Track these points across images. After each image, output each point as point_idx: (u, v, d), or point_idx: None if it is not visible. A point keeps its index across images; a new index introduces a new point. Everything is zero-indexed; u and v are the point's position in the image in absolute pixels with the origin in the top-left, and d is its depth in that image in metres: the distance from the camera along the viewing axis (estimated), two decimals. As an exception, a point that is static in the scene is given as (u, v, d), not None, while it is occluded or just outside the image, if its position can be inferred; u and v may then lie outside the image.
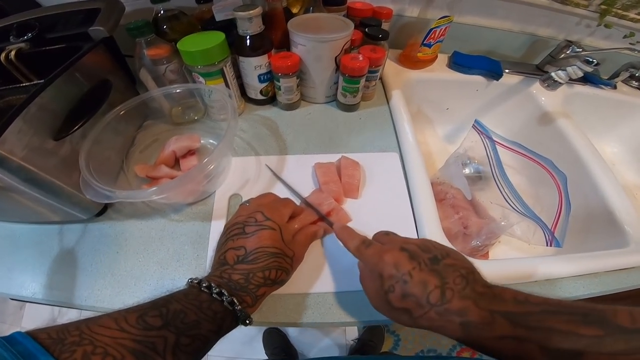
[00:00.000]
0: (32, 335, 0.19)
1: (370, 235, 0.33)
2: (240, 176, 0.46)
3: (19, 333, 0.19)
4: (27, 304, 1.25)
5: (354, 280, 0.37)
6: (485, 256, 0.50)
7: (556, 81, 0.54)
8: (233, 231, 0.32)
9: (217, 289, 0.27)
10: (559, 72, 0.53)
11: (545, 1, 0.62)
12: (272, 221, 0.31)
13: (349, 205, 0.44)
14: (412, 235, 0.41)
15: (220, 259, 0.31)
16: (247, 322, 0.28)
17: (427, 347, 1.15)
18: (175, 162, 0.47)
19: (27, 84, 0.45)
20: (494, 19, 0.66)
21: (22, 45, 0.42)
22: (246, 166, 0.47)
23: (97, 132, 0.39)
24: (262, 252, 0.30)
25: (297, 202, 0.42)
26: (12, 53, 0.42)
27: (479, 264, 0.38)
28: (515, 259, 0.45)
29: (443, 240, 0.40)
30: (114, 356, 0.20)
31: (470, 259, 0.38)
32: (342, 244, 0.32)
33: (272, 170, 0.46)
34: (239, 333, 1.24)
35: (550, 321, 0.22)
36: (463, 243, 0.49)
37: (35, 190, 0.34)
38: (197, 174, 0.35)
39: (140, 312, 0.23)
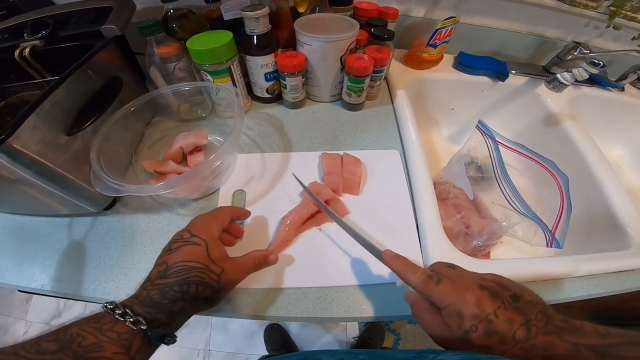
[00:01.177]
0: None
1: (369, 233, 0.33)
2: (245, 173, 0.47)
3: None
4: (33, 298, 1.27)
5: (356, 275, 0.38)
6: (486, 256, 0.50)
7: (562, 83, 0.54)
8: (163, 250, 0.31)
9: (121, 310, 0.25)
10: (565, 73, 0.53)
11: (554, 3, 0.62)
12: (197, 237, 0.30)
13: (350, 201, 0.44)
14: (414, 233, 0.42)
15: (146, 277, 0.30)
16: (166, 340, 0.27)
17: (426, 346, 1.15)
18: (182, 158, 0.48)
19: (40, 80, 0.46)
20: (501, 20, 0.66)
21: (37, 42, 0.44)
22: (251, 163, 0.48)
23: (107, 127, 0.40)
24: (182, 266, 0.28)
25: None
26: (27, 50, 0.43)
27: (479, 264, 0.39)
28: (515, 259, 0.45)
29: (444, 240, 0.40)
30: None
31: (472, 258, 0.39)
32: (397, 275, 0.30)
33: (298, 180, 0.44)
34: (240, 328, 1.26)
35: (635, 351, 0.22)
36: (464, 243, 0.49)
37: (47, 184, 0.35)
38: (203, 170, 0.35)
39: (38, 338, 0.24)
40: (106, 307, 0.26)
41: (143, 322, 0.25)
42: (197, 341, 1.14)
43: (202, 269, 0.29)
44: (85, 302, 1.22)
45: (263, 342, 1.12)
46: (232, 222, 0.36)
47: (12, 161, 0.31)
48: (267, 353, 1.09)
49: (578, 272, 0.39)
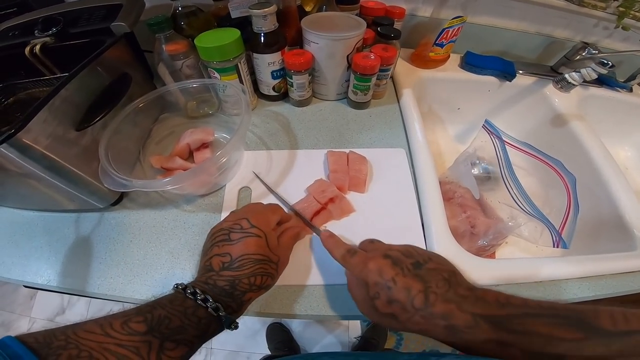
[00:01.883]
0: (21, 339, 0.20)
1: (374, 228, 0.33)
2: (251, 170, 0.47)
3: (8, 337, 0.20)
4: (38, 294, 1.27)
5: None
6: (492, 256, 0.50)
7: (570, 83, 0.53)
8: (218, 237, 0.32)
9: (202, 295, 0.27)
10: (573, 73, 0.53)
11: (563, 3, 0.61)
12: (257, 228, 0.31)
13: (355, 198, 0.44)
14: (419, 232, 0.42)
15: (206, 265, 0.30)
16: (233, 327, 0.29)
17: (429, 347, 1.15)
18: (189, 155, 0.49)
19: (50, 76, 0.47)
20: (509, 20, 0.66)
21: (47, 39, 0.44)
22: (257, 160, 0.49)
23: (116, 123, 0.40)
24: (247, 259, 0.29)
25: (286, 209, 0.42)
26: (37, 47, 0.43)
27: (484, 264, 0.38)
28: (521, 259, 0.45)
29: (450, 239, 0.40)
30: (98, 359, 0.21)
31: (478, 258, 0.39)
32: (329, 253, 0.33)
33: (259, 177, 0.46)
34: (243, 326, 1.26)
35: (532, 324, 0.22)
36: (470, 242, 0.49)
37: (55, 178, 0.35)
38: (210, 166, 0.36)
39: (125, 318, 0.24)
40: (184, 290, 0.27)
41: (221, 309, 0.27)
42: (200, 339, 1.14)
43: (265, 260, 0.30)
44: (89, 299, 1.23)
45: (265, 341, 1.13)
46: (285, 218, 0.37)
47: (22, 155, 0.32)
48: (269, 352, 1.09)
49: (584, 272, 0.39)
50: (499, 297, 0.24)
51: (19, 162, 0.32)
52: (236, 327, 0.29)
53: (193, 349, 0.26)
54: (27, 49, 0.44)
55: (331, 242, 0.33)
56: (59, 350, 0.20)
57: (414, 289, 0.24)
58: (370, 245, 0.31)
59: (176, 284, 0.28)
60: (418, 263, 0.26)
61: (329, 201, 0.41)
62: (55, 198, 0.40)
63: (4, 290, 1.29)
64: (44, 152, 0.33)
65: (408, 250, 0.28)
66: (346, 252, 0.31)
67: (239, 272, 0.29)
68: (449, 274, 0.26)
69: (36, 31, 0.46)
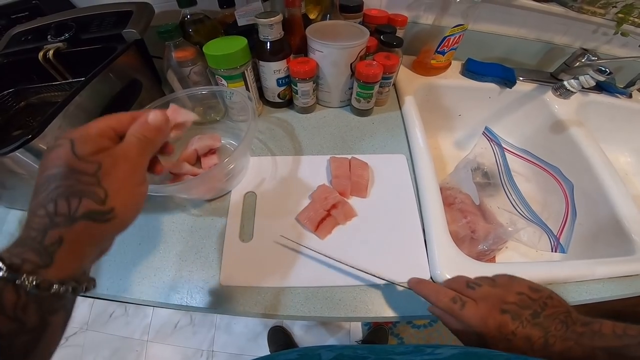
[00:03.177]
0: None
1: (376, 235, 0.33)
2: (256, 175, 0.48)
3: None
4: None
5: (363, 275, 0.39)
6: (492, 260, 0.51)
7: (568, 90, 0.54)
8: None
9: None
10: (572, 80, 0.54)
11: (562, 10, 0.62)
12: (63, 138, 0.21)
13: (357, 203, 0.45)
14: (420, 237, 0.43)
15: None
16: (59, 289, 0.19)
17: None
18: (196, 160, 0.50)
19: (61, 81, 0.48)
20: (509, 27, 0.67)
21: (60, 44, 0.46)
22: (262, 165, 0.50)
23: (126, 129, 0.41)
24: (43, 178, 0.20)
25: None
26: (51, 52, 0.45)
27: (484, 268, 0.39)
28: (520, 263, 0.46)
29: (450, 244, 0.41)
30: None
31: (478, 262, 0.40)
32: (424, 298, 0.32)
33: (290, 240, 0.41)
34: (245, 329, 1.25)
35: None
36: (470, 247, 0.50)
37: (69, 182, 0.36)
38: (218, 172, 0.37)
39: None
40: None
41: (2, 267, 0.18)
42: (201, 341, 1.14)
43: (64, 174, 0.20)
44: (92, 301, 1.24)
45: (267, 344, 1.13)
46: (126, 122, 0.24)
47: (37, 160, 0.33)
48: (268, 354, 1.10)
49: (583, 276, 0.39)
50: (615, 329, 0.25)
51: (33, 166, 0.33)
52: (76, 289, 0.20)
53: (2, 332, 0.17)
54: (40, 54, 0.45)
55: (425, 288, 0.32)
56: None
57: (535, 337, 0.25)
58: (475, 294, 0.29)
59: None
60: (536, 313, 0.27)
61: (332, 207, 0.42)
62: (67, 201, 0.41)
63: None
64: (58, 157, 0.34)
65: (524, 301, 0.27)
66: (452, 301, 0.29)
67: (34, 200, 0.20)
68: (565, 316, 0.26)
69: (49, 36, 0.47)
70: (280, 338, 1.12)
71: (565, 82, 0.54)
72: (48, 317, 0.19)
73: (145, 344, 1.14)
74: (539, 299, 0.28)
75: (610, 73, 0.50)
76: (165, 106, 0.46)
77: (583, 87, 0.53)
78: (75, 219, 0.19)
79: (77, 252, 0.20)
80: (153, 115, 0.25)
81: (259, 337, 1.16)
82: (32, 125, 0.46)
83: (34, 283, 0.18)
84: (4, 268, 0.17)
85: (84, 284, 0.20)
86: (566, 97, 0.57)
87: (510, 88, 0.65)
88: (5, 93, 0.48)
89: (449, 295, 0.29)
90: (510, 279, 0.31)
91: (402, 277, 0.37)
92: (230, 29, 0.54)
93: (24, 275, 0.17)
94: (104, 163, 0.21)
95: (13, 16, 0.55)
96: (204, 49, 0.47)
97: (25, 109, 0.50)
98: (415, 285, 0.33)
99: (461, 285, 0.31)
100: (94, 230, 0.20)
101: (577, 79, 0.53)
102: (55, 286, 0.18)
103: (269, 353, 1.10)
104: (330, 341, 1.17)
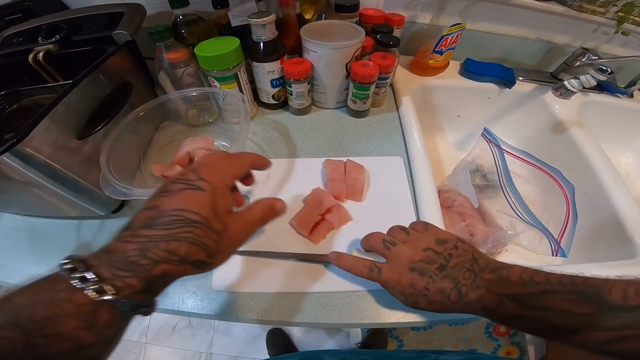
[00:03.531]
0: None
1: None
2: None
3: None
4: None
5: (356, 280, 0.38)
6: (491, 264, 0.50)
7: (569, 90, 0.53)
8: (158, 189, 0.24)
9: (81, 274, 0.19)
10: (572, 80, 0.53)
11: (562, 9, 0.61)
12: (205, 181, 0.23)
13: (353, 207, 0.45)
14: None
15: (129, 222, 0.23)
16: (142, 311, 0.21)
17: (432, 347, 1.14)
18: (189, 163, 0.49)
19: (53, 84, 0.47)
20: (509, 26, 0.66)
21: (50, 46, 0.45)
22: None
23: (118, 131, 0.41)
24: (176, 216, 0.21)
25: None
26: (41, 54, 0.44)
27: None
28: None
29: None
30: None
31: None
32: (348, 271, 0.34)
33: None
34: (243, 332, 1.25)
35: (550, 301, 0.25)
36: (469, 250, 0.49)
37: (57, 187, 0.36)
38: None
39: None
40: (64, 265, 0.19)
41: (109, 291, 0.19)
42: (200, 344, 1.14)
43: (200, 223, 0.22)
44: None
45: (265, 347, 1.12)
46: (249, 174, 0.31)
47: (24, 164, 0.32)
48: (268, 357, 1.09)
49: None
50: (522, 275, 0.27)
51: (21, 170, 0.32)
52: (150, 311, 0.21)
53: (89, 344, 0.19)
54: (30, 56, 0.44)
55: (344, 262, 0.34)
56: None
57: (447, 289, 0.28)
58: (390, 253, 0.32)
59: (65, 258, 0.20)
60: (442, 266, 0.29)
61: (326, 211, 0.41)
62: (57, 205, 0.40)
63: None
64: (46, 160, 0.33)
65: (429, 257, 0.30)
66: (369, 271, 0.32)
67: (158, 230, 0.21)
68: (471, 264, 0.29)
69: (40, 38, 0.46)
70: (279, 340, 1.12)
71: (565, 82, 0.53)
72: (121, 332, 0.21)
73: (144, 346, 1.13)
74: (443, 251, 0.30)
75: (611, 72, 0.49)
76: (158, 107, 0.46)
77: (584, 87, 0.52)
78: (186, 262, 0.21)
79: (167, 283, 0.22)
80: (281, 206, 0.28)
81: (258, 339, 1.15)
82: (23, 127, 0.45)
83: (131, 306, 0.20)
84: (110, 293, 0.19)
85: (152, 308, 0.22)
86: (566, 97, 0.55)
87: (510, 88, 0.64)
88: (-4, 96, 0.47)
89: (366, 265, 0.32)
90: (424, 228, 0.33)
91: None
92: (224, 29, 0.53)
93: (125, 300, 0.19)
94: (230, 228, 0.24)
95: (7, 18, 0.54)
96: (195, 50, 0.46)
97: (18, 111, 0.49)
98: (335, 260, 0.35)
99: (379, 245, 0.33)
100: (188, 272, 0.22)
101: (578, 78, 0.52)
102: (142, 309, 0.21)
103: (267, 356, 1.10)
104: (330, 343, 1.16)
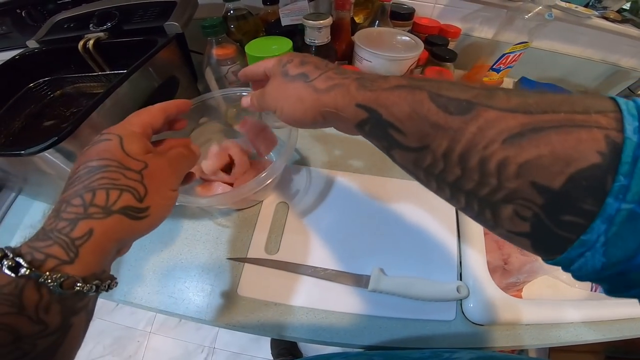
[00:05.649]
0: None
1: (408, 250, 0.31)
2: (288, 185, 0.45)
3: None
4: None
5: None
6: (519, 292, 0.47)
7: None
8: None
9: (2, 252, 0.17)
10: None
11: (637, 32, 0.56)
12: (109, 134, 0.21)
13: (397, 221, 0.43)
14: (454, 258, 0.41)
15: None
16: (82, 288, 0.17)
17: None
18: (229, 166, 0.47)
19: (98, 72, 0.46)
20: (574, 46, 0.61)
21: (101, 34, 0.44)
22: (296, 176, 0.47)
23: (160, 129, 0.39)
24: (85, 168, 0.19)
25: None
26: (91, 42, 0.43)
27: (511, 302, 0.37)
28: (549, 303, 0.42)
29: (485, 272, 0.39)
30: None
31: (505, 295, 0.38)
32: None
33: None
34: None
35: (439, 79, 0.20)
36: (501, 277, 0.47)
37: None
38: (255, 187, 0.34)
39: None
40: None
41: (24, 264, 0.16)
42: (204, 337, 1.14)
43: (110, 166, 0.20)
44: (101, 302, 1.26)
45: (269, 346, 1.12)
46: (174, 119, 0.28)
47: (66, 161, 0.31)
48: (271, 357, 1.08)
49: (617, 315, 0.38)
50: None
51: (61, 167, 0.31)
52: (100, 288, 0.19)
53: (29, 334, 0.16)
54: (80, 44, 0.43)
55: (254, 100, 0.31)
56: None
57: (311, 57, 0.26)
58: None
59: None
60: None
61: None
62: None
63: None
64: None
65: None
66: (260, 95, 0.30)
67: (70, 189, 0.19)
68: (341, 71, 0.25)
69: (91, 25, 0.45)
70: (283, 341, 1.11)
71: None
72: (71, 317, 0.18)
73: (148, 335, 1.14)
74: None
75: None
76: (200, 105, 0.44)
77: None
78: (111, 212, 0.19)
79: (101, 248, 0.19)
80: (195, 147, 0.28)
81: (262, 338, 1.14)
82: (65, 115, 0.44)
83: (58, 281, 0.17)
84: (26, 265, 0.16)
85: (106, 282, 0.19)
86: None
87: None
88: (41, 81, 0.46)
89: (256, 95, 0.30)
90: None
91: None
92: (272, 27, 0.51)
93: (47, 273, 0.16)
94: (150, 164, 0.21)
95: (59, 1, 0.54)
96: (246, 48, 0.44)
97: (60, 98, 0.48)
98: (246, 104, 0.32)
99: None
100: (124, 227, 0.19)
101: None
102: (78, 284, 0.17)
103: (270, 355, 1.09)
104: (333, 347, 1.14)
